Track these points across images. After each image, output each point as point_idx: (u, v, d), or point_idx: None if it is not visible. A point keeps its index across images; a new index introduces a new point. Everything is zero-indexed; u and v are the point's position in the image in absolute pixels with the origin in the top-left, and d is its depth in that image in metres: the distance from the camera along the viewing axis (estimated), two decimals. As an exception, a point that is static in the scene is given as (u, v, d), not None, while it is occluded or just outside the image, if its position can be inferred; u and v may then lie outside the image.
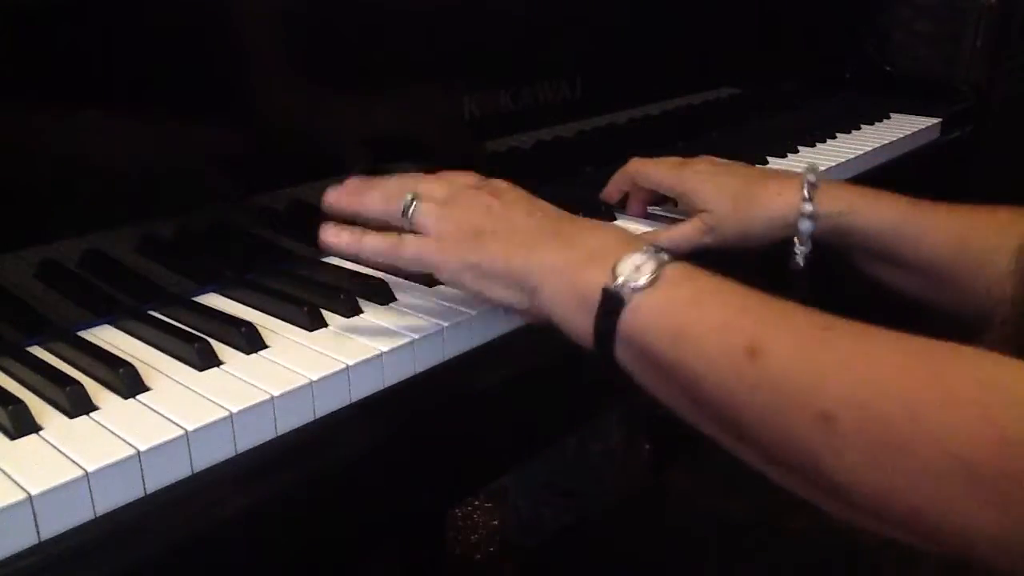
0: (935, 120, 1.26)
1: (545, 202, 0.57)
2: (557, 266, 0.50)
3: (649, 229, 0.77)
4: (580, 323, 0.48)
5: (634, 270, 0.46)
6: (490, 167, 0.83)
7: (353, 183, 0.59)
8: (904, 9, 1.49)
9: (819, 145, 1.11)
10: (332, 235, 0.56)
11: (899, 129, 1.20)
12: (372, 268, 0.64)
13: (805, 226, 0.70)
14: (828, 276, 0.75)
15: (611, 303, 0.46)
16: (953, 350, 0.39)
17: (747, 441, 0.44)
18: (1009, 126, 1.41)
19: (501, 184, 0.58)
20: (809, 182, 0.70)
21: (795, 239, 0.71)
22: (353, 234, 0.56)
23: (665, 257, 0.47)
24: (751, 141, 1.08)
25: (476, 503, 1.48)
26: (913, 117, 1.27)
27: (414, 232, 0.55)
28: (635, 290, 0.46)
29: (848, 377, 0.40)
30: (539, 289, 0.50)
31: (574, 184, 0.93)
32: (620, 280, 0.46)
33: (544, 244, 0.51)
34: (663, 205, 0.82)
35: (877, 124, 1.24)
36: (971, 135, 1.31)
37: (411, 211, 0.55)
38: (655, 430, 1.37)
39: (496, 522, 1.46)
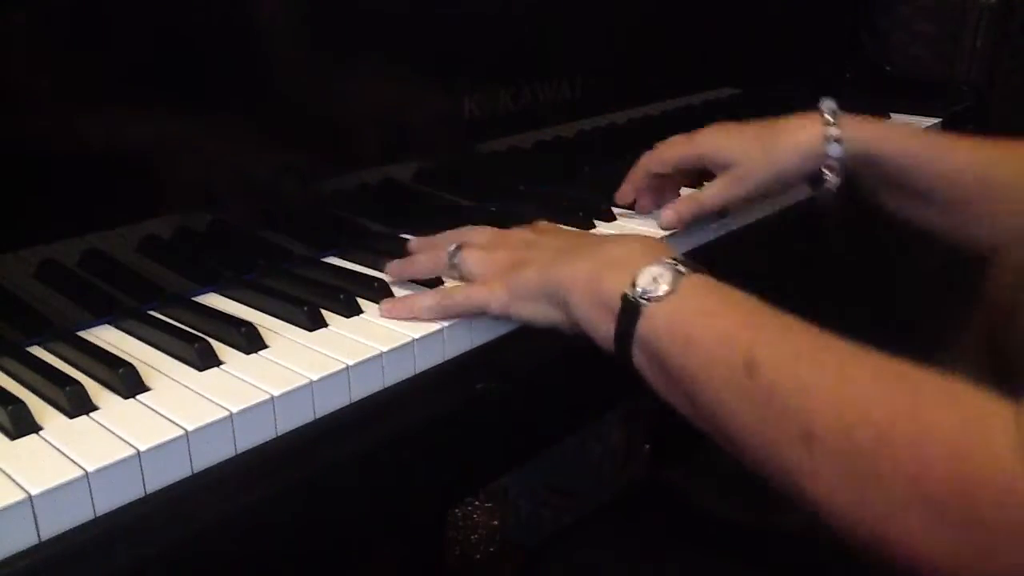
0: (935, 120, 1.25)
1: (578, 231, 0.61)
2: (581, 275, 0.52)
3: (651, 228, 0.77)
4: (603, 328, 0.51)
5: (652, 281, 0.49)
6: (490, 167, 0.83)
7: (411, 247, 0.65)
8: (904, 9, 1.49)
9: (819, 145, 1.10)
10: (387, 311, 0.58)
11: (899, 129, 1.20)
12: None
13: (834, 150, 0.69)
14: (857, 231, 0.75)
15: (629, 310, 0.49)
16: (934, 383, 0.40)
17: (736, 448, 0.46)
18: (1009, 126, 1.41)
19: (542, 223, 0.63)
20: (830, 109, 0.70)
21: (824, 170, 0.70)
22: (405, 303, 0.58)
23: (683, 270, 0.49)
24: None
25: (476, 503, 1.48)
26: (913, 117, 1.27)
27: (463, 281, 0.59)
28: (652, 300, 0.48)
29: (831, 401, 0.41)
30: (568, 298, 0.53)
31: (574, 184, 0.93)
32: (639, 289, 0.49)
33: (572, 257, 0.54)
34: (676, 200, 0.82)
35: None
36: (971, 135, 1.31)
37: (455, 259, 0.59)
38: (655, 430, 1.37)
39: (496, 522, 1.46)
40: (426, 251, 0.63)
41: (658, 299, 0.48)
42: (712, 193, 0.73)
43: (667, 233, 0.75)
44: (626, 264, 0.51)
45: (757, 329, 0.46)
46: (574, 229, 0.61)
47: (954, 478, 0.37)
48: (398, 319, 0.57)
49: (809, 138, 0.71)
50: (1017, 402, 0.37)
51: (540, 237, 0.59)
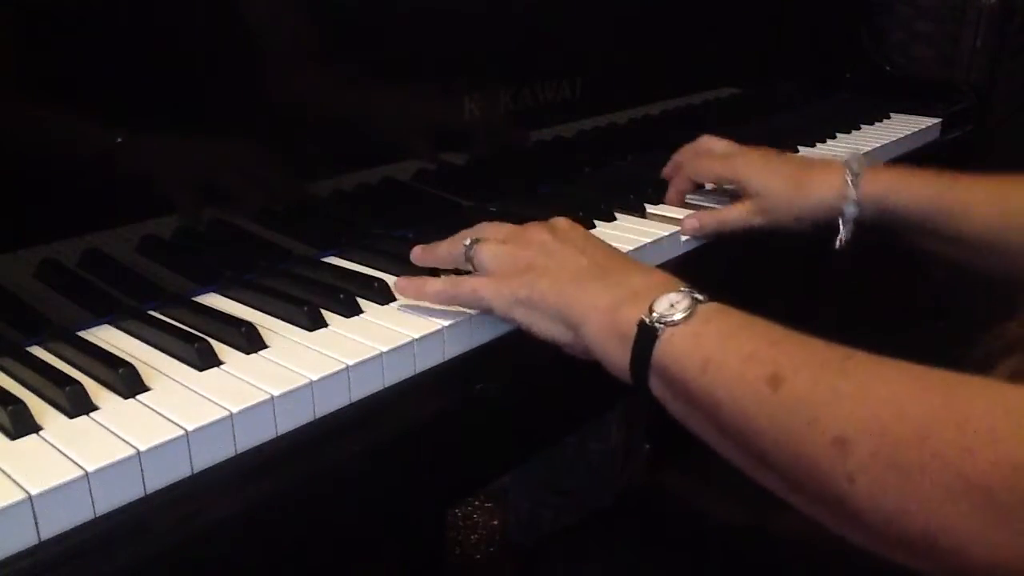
0: (935, 120, 1.26)
1: (600, 240, 0.61)
2: (600, 305, 0.52)
3: (683, 215, 0.80)
4: (618, 357, 0.51)
5: (669, 306, 0.49)
6: (490, 167, 0.83)
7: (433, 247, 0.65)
8: (904, 9, 1.49)
9: (819, 145, 1.11)
10: (401, 288, 0.60)
11: (899, 129, 1.20)
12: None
13: (849, 210, 0.75)
14: (868, 257, 0.80)
15: (646, 336, 0.49)
16: (968, 379, 0.40)
17: (767, 467, 0.45)
18: (1009, 126, 1.41)
19: (560, 221, 0.62)
20: (852, 170, 0.76)
21: (839, 221, 0.76)
22: (415, 282, 0.60)
23: (700, 297, 0.50)
24: (751, 141, 1.08)
25: (476, 503, 1.48)
26: (913, 117, 1.27)
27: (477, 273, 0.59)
28: (669, 324, 0.49)
29: (864, 403, 0.41)
30: (582, 325, 0.53)
31: (574, 184, 0.93)
32: (655, 315, 0.49)
33: (591, 283, 0.54)
34: (703, 192, 0.86)
35: (877, 124, 1.24)
36: (971, 135, 1.31)
37: (471, 252, 0.59)
38: (655, 430, 1.37)
39: (496, 522, 1.47)
40: (446, 240, 0.64)
41: (674, 323, 0.49)
42: (735, 216, 0.79)
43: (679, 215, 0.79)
44: (644, 293, 0.51)
45: (778, 345, 0.46)
46: (593, 230, 0.62)
47: (1000, 462, 0.36)
48: (407, 297, 0.60)
49: (830, 194, 0.76)
50: None
51: (560, 246, 0.58)
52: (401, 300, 0.61)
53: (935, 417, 0.38)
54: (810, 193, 0.77)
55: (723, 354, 0.47)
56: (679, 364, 0.48)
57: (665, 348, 0.48)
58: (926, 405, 0.39)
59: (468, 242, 0.60)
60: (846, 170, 0.76)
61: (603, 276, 0.55)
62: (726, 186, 0.84)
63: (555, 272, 0.56)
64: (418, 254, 0.64)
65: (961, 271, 0.74)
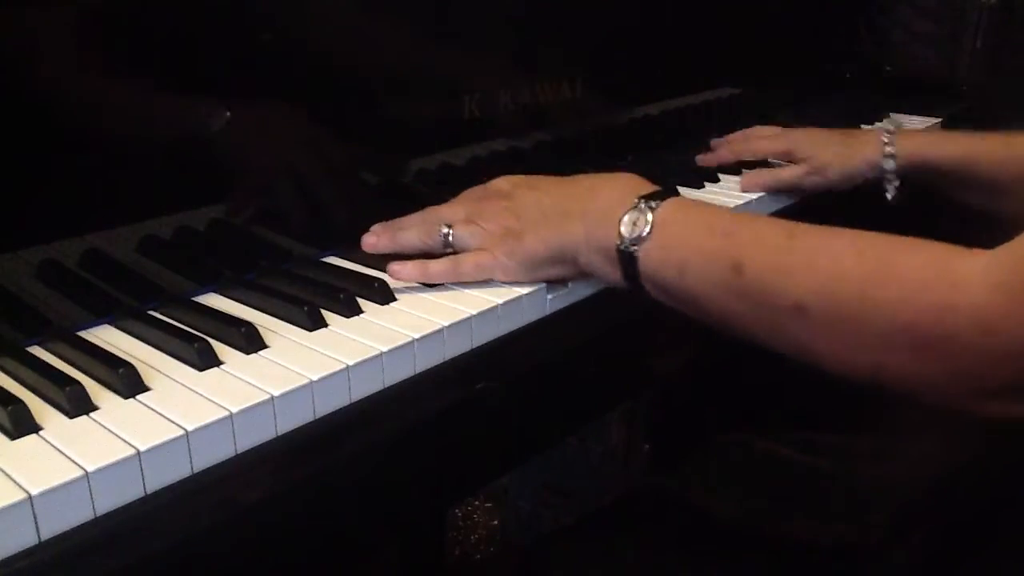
0: (935, 120, 1.26)
1: (538, 177, 0.67)
2: (580, 238, 0.61)
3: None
4: (614, 275, 0.60)
5: (632, 226, 0.57)
6: (491, 168, 0.83)
7: (381, 228, 0.67)
8: (904, 9, 1.49)
9: (819, 145, 1.10)
10: (398, 268, 0.63)
11: (899, 129, 1.20)
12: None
13: (888, 164, 0.89)
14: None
15: (626, 259, 0.58)
16: (901, 240, 0.48)
17: (750, 337, 0.54)
18: (1009, 126, 1.41)
19: (500, 184, 0.68)
20: (888, 131, 0.90)
21: (884, 178, 0.90)
22: (417, 266, 0.63)
23: (653, 204, 0.57)
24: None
25: (476, 503, 1.48)
26: (913, 117, 1.27)
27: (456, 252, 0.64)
28: (639, 243, 0.57)
29: (811, 273, 0.50)
30: (577, 257, 0.61)
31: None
32: (626, 239, 0.58)
33: (562, 221, 0.62)
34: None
35: (877, 124, 1.24)
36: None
37: (451, 239, 0.64)
38: (655, 430, 1.37)
39: (496, 522, 1.47)
40: (410, 230, 0.66)
41: (643, 240, 0.57)
42: (791, 172, 0.91)
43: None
44: (608, 217, 0.59)
45: (735, 236, 0.54)
46: (537, 177, 0.67)
47: (928, 309, 0.44)
48: (407, 280, 0.63)
49: (872, 152, 0.89)
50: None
51: (515, 203, 0.64)
52: (401, 300, 0.61)
53: (871, 276, 0.47)
54: (856, 153, 0.90)
55: (691, 256, 0.55)
56: (660, 275, 0.57)
57: (645, 264, 0.57)
58: (863, 266, 0.48)
59: (445, 231, 0.64)
60: (883, 132, 0.89)
61: (568, 209, 0.62)
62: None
63: (532, 226, 0.62)
64: (381, 242, 0.66)
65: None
